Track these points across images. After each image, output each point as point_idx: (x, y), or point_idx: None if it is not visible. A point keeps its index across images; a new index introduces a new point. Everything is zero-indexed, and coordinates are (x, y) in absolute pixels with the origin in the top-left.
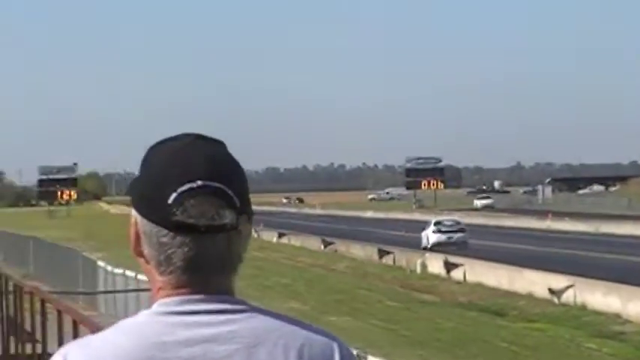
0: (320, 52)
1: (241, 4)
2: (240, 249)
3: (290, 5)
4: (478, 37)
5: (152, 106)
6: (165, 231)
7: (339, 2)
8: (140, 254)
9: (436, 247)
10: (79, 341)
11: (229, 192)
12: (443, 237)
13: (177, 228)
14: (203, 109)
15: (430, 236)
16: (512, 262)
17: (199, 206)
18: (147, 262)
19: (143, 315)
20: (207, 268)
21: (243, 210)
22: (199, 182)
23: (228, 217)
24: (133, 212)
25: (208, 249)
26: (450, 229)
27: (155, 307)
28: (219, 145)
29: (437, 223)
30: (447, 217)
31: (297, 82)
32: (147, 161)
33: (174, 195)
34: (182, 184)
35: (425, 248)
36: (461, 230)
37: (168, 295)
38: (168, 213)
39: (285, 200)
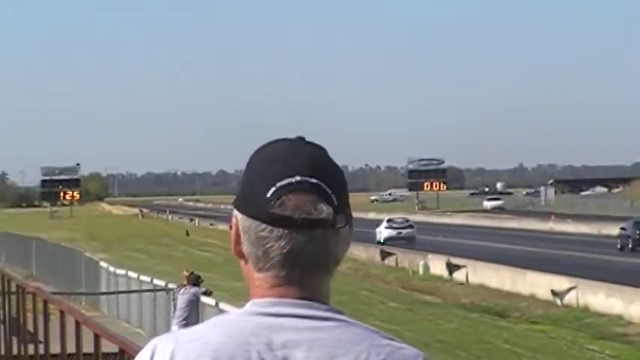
0: (321, 51)
1: (247, 4)
2: (337, 250)
3: (291, 4)
4: (481, 39)
5: (156, 107)
6: (264, 225)
7: (341, 1)
8: (240, 254)
9: (389, 242)
10: (169, 334)
11: (327, 189)
12: (393, 232)
13: (274, 221)
14: (203, 109)
15: (383, 232)
16: (515, 264)
17: (296, 200)
18: (246, 261)
19: (235, 313)
20: (302, 265)
21: (341, 210)
22: (298, 177)
23: (324, 212)
24: (235, 212)
25: (304, 245)
26: (400, 226)
27: (248, 306)
28: (320, 148)
29: (389, 220)
30: (397, 215)
31: (298, 83)
32: (250, 162)
33: (272, 189)
34: (281, 180)
35: (379, 242)
36: (409, 227)
37: (263, 295)
38: (266, 206)
39: None
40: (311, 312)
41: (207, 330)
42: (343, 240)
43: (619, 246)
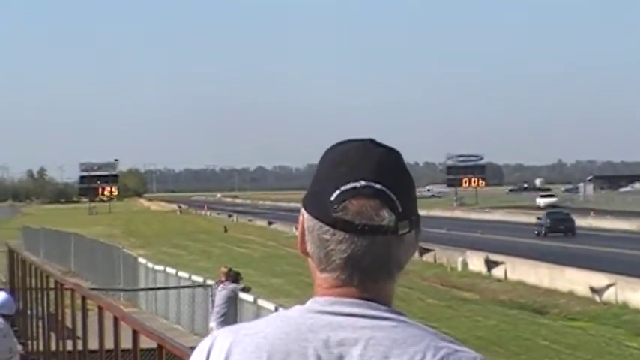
0: (357, 44)
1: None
2: (400, 255)
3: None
4: (520, 32)
5: (194, 103)
6: (327, 227)
7: None
8: (305, 251)
9: None
10: (231, 327)
11: (392, 195)
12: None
13: (336, 224)
14: (242, 105)
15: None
16: (553, 260)
17: (359, 206)
18: (311, 260)
19: (295, 309)
20: (363, 269)
21: (406, 217)
22: (362, 182)
23: (387, 219)
24: (302, 210)
25: (366, 250)
26: None
27: (308, 303)
28: (392, 152)
29: None
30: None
31: (336, 79)
32: (320, 162)
33: (336, 192)
34: (346, 183)
35: None
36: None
37: (323, 294)
38: (329, 209)
39: None
40: (369, 311)
41: (266, 325)
42: (408, 245)
43: None
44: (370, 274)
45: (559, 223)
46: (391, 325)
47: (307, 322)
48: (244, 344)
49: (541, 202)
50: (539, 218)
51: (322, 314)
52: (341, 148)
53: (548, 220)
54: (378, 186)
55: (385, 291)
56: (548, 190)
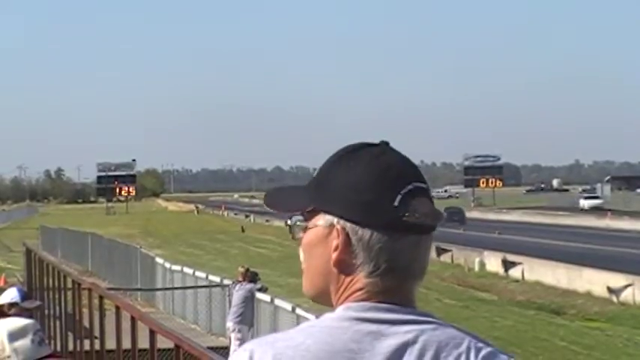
0: (376, 44)
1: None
2: (429, 254)
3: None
4: (538, 32)
5: (212, 103)
6: (391, 233)
7: None
8: (343, 263)
9: None
10: (264, 339)
11: (431, 193)
12: None
13: (407, 229)
14: (259, 106)
15: None
16: (571, 261)
17: (422, 206)
18: (348, 270)
19: (329, 319)
20: (410, 270)
21: None
22: (415, 184)
23: (442, 215)
24: (337, 221)
25: (417, 251)
26: None
27: (341, 311)
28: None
29: None
30: None
31: (352, 81)
32: (344, 168)
33: (399, 197)
34: (403, 187)
35: None
36: None
37: (358, 299)
38: (394, 214)
39: None
40: (408, 316)
41: (305, 336)
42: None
43: None
44: (411, 275)
45: (453, 215)
46: (432, 327)
47: (347, 331)
48: (288, 357)
49: (585, 204)
50: None
51: (361, 322)
52: (367, 154)
53: (445, 213)
54: (424, 185)
55: (415, 293)
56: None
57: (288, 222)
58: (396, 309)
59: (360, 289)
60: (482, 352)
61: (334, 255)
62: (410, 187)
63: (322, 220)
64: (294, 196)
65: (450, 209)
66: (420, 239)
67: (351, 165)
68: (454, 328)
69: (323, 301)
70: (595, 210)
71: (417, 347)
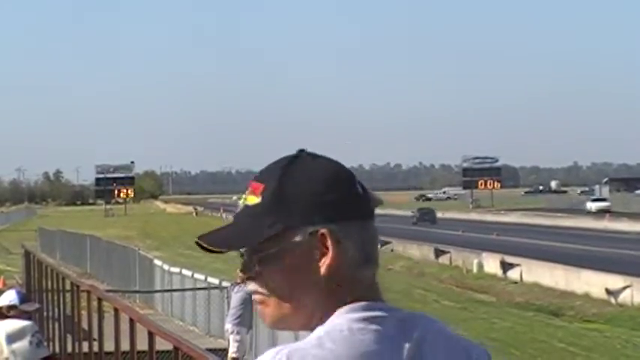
0: (371, 47)
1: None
2: None
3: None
4: (535, 33)
5: (210, 105)
6: (365, 222)
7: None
8: (333, 267)
9: None
10: (297, 346)
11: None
12: None
13: (371, 216)
14: (257, 108)
15: None
16: (569, 263)
17: (371, 193)
18: (336, 273)
19: (344, 322)
20: (377, 258)
21: None
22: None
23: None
24: (313, 230)
25: (376, 237)
26: None
27: (349, 313)
28: None
29: None
30: None
31: (352, 83)
32: (297, 179)
33: (359, 187)
34: (354, 178)
35: None
36: None
37: (356, 298)
38: (363, 204)
39: None
40: (399, 313)
41: (332, 344)
42: None
43: None
44: (379, 263)
45: (425, 215)
46: (421, 316)
47: (366, 333)
48: None
49: (592, 206)
50: (413, 211)
51: (370, 322)
52: (314, 163)
53: (418, 214)
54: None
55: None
56: (560, 191)
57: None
58: (387, 306)
59: (352, 287)
60: (462, 342)
61: (326, 261)
62: (353, 177)
63: (298, 235)
64: (251, 227)
65: (422, 210)
66: (375, 225)
67: (302, 174)
68: (430, 317)
69: (290, 324)
70: (602, 213)
71: (425, 339)
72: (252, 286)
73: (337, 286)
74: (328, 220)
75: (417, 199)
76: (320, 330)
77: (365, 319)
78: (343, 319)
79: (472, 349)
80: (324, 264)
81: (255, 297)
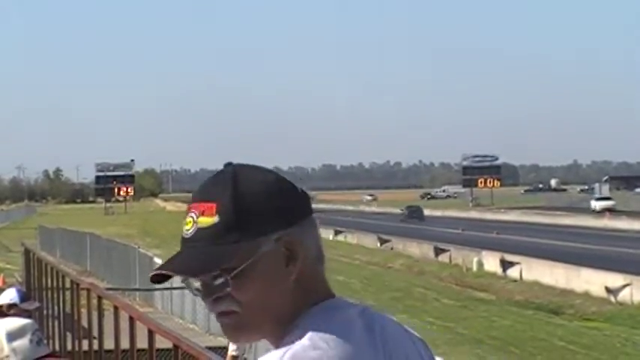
0: (371, 50)
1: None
2: None
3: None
4: (537, 31)
5: (210, 104)
6: (311, 225)
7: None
8: (301, 272)
9: None
10: (293, 351)
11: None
12: None
13: (312, 213)
14: (257, 107)
15: None
16: (569, 261)
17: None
18: (304, 276)
19: (340, 322)
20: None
21: None
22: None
23: None
24: (276, 237)
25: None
26: None
27: (323, 312)
28: None
29: None
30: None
31: (351, 81)
32: (247, 192)
33: (299, 189)
34: (292, 183)
35: None
36: None
37: (323, 297)
38: (308, 204)
39: (370, 197)
40: (358, 306)
41: (324, 343)
42: None
43: None
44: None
45: (413, 213)
46: (368, 307)
47: (348, 328)
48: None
49: (597, 205)
50: (401, 209)
51: (345, 318)
52: (254, 171)
53: (407, 211)
54: None
55: None
56: (560, 190)
57: (194, 282)
58: (346, 300)
59: (316, 286)
60: (405, 329)
61: (296, 264)
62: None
63: (265, 245)
64: (217, 248)
65: (410, 207)
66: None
67: (252, 185)
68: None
69: (261, 333)
70: (607, 211)
71: (386, 332)
72: (222, 306)
73: (304, 288)
74: (288, 223)
75: (422, 197)
76: (303, 331)
77: (339, 315)
78: (320, 319)
79: (414, 336)
80: (294, 267)
81: (225, 318)
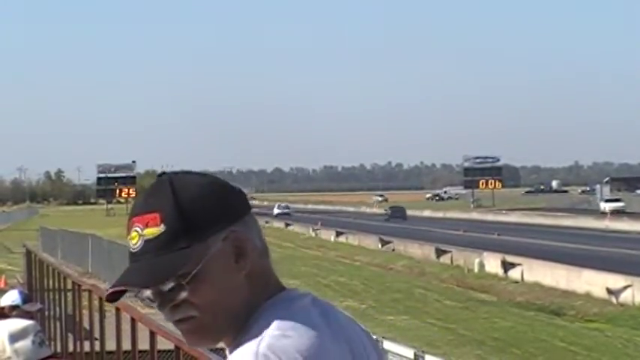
0: (373, 50)
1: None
2: None
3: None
4: (537, 34)
5: (211, 105)
6: (253, 220)
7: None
8: (253, 265)
9: (279, 216)
10: (267, 343)
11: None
12: (279, 210)
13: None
14: (257, 108)
15: (275, 210)
16: (570, 262)
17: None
18: (255, 271)
19: (281, 313)
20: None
21: None
22: None
23: None
24: (223, 237)
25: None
26: (284, 207)
27: (281, 303)
28: None
29: (278, 206)
30: (281, 203)
31: (352, 82)
32: (186, 197)
33: (236, 186)
34: (231, 184)
35: (275, 215)
36: (287, 207)
37: (277, 289)
38: (247, 201)
39: (380, 198)
40: (307, 295)
41: (293, 331)
42: None
43: None
44: None
45: (396, 213)
46: (311, 294)
47: (309, 316)
48: (315, 356)
49: (606, 207)
50: (385, 209)
51: (302, 307)
52: (188, 176)
53: (390, 211)
54: None
55: None
56: (561, 191)
57: (145, 292)
58: (297, 290)
59: (266, 279)
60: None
61: (245, 259)
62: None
63: (213, 245)
64: (169, 256)
65: (393, 207)
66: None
67: (189, 189)
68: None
69: (221, 334)
70: (617, 213)
71: (341, 314)
72: (179, 314)
73: (255, 282)
74: (232, 220)
75: (430, 199)
76: (266, 323)
77: (296, 305)
78: (279, 310)
79: (356, 323)
80: (244, 263)
81: (184, 324)
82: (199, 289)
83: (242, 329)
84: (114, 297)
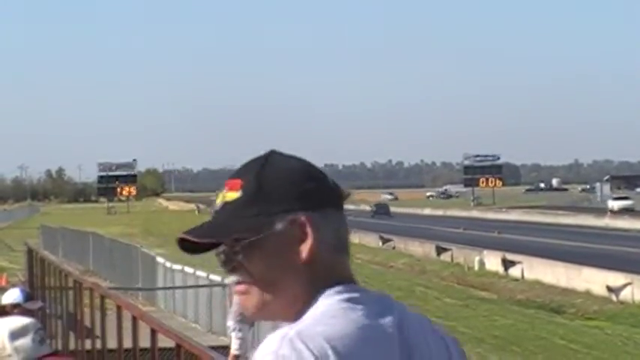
0: (374, 48)
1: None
2: None
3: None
4: (537, 33)
5: (212, 104)
6: (336, 213)
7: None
8: (312, 253)
9: None
10: (298, 329)
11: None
12: None
13: (343, 206)
14: (257, 106)
15: None
16: (570, 260)
17: (340, 187)
18: (316, 259)
19: (335, 303)
20: (348, 245)
21: None
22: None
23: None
24: (293, 217)
25: (347, 225)
26: None
27: (336, 294)
28: None
29: None
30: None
31: (352, 81)
32: (275, 174)
33: (331, 180)
34: (324, 172)
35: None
36: None
37: (336, 282)
38: (338, 194)
39: (390, 197)
40: (375, 293)
41: (332, 319)
42: None
43: None
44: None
45: (380, 209)
46: (388, 296)
47: (356, 311)
48: (343, 346)
49: (615, 205)
50: (370, 206)
51: (356, 302)
52: (287, 157)
53: (375, 208)
54: None
55: None
56: (561, 189)
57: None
58: (363, 288)
59: (331, 272)
60: (434, 326)
61: (306, 247)
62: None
63: (279, 223)
64: (234, 219)
65: (378, 204)
66: (345, 217)
67: (279, 167)
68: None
69: (273, 312)
70: (625, 212)
71: (405, 315)
72: (233, 277)
73: (317, 271)
74: (307, 207)
75: (434, 197)
76: (313, 311)
77: (351, 299)
78: (332, 300)
79: (444, 332)
80: (304, 250)
81: (237, 288)
82: (254, 258)
83: (299, 315)
84: (183, 246)
